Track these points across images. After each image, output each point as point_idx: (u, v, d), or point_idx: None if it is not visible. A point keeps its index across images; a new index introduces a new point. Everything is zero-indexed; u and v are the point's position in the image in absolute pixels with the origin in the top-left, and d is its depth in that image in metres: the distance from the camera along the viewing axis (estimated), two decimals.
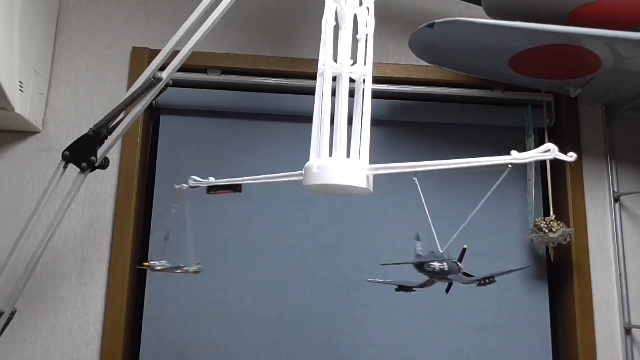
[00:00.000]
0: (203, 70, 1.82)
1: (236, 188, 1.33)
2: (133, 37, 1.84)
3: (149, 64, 1.75)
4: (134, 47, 1.82)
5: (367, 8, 1.16)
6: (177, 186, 1.39)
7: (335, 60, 1.13)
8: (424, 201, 1.08)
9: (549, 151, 0.90)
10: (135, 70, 1.80)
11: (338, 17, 1.15)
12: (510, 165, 0.92)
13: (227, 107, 1.86)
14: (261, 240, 1.82)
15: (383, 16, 1.92)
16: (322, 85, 1.12)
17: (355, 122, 1.12)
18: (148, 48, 1.81)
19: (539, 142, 1.88)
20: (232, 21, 1.85)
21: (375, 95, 1.73)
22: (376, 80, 1.80)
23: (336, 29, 1.16)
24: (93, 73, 1.80)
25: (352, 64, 1.13)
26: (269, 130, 1.89)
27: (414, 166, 1.00)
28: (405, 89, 1.89)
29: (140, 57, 1.81)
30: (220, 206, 1.83)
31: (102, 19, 1.85)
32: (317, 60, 1.17)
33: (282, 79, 1.86)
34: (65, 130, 1.75)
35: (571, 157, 0.87)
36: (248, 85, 1.87)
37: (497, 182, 0.97)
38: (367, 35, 1.16)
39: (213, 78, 1.84)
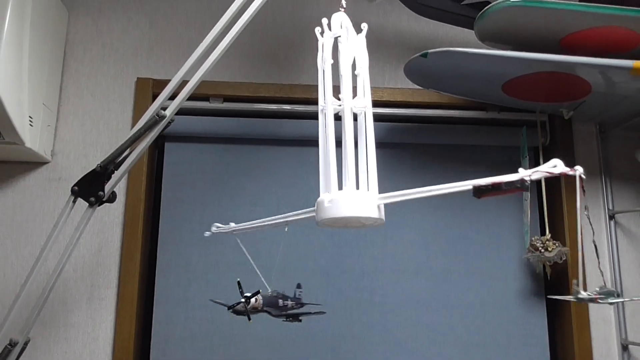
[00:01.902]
0: (205, 98, 1.88)
1: None
2: (137, 68, 1.90)
3: (153, 93, 1.84)
4: (138, 78, 1.88)
5: (360, 44, 1.20)
6: (207, 234, 1.43)
7: (336, 97, 1.18)
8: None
9: (556, 167, 0.93)
10: (140, 100, 1.86)
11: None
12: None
13: (229, 133, 1.92)
14: (265, 262, 1.86)
15: (379, 41, 1.97)
16: (325, 123, 1.17)
17: (360, 154, 1.16)
18: (152, 78, 1.87)
19: (534, 162, 1.93)
20: (233, 50, 1.89)
21: (373, 118, 1.79)
22: (373, 103, 1.81)
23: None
24: (99, 103, 1.86)
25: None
26: (270, 155, 1.94)
27: (425, 191, 1.03)
28: (402, 111, 1.94)
29: (145, 87, 1.87)
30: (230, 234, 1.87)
31: (107, 50, 1.91)
32: (315, 86, 1.22)
33: (282, 105, 1.92)
34: (73, 160, 1.80)
35: (577, 170, 0.91)
36: (250, 112, 1.92)
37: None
38: (362, 69, 1.21)
39: (215, 106, 1.89)
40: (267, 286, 1.43)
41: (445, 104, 1.92)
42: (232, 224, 1.41)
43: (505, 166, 1.96)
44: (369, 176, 1.11)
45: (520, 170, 0.98)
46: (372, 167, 1.12)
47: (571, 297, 1.29)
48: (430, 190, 1.04)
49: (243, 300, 1.42)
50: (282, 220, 1.29)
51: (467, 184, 1.00)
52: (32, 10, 1.60)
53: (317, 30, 1.22)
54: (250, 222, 1.38)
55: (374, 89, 1.87)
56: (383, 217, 1.09)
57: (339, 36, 1.19)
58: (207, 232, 1.41)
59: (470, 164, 1.97)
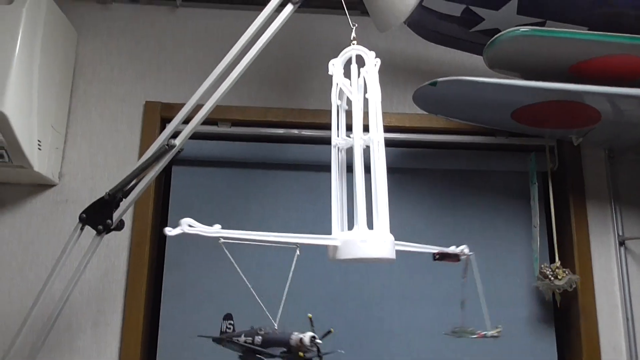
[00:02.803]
0: (214, 122, 1.88)
1: None
2: (146, 90, 1.90)
3: (161, 116, 1.84)
4: (146, 101, 1.88)
5: (364, 77, 1.21)
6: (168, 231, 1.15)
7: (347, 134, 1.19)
8: None
9: None
10: (148, 122, 1.86)
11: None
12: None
13: (237, 157, 1.92)
14: (272, 288, 1.85)
15: (387, 66, 1.97)
16: (337, 158, 1.17)
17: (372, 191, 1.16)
18: (160, 102, 1.87)
19: (543, 187, 1.91)
20: (241, 75, 1.91)
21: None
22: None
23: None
24: (107, 125, 1.86)
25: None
26: (278, 179, 1.93)
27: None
28: (410, 137, 1.94)
29: (153, 110, 1.87)
30: (230, 252, 1.86)
31: (116, 72, 1.91)
32: (324, 111, 1.23)
33: (290, 129, 1.92)
34: (80, 182, 1.80)
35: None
36: (257, 136, 1.92)
37: None
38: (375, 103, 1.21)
39: (224, 130, 1.89)
40: (272, 320, 1.37)
41: (453, 130, 1.92)
42: (218, 226, 1.19)
43: (513, 192, 1.96)
44: (380, 216, 1.11)
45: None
46: (384, 205, 1.12)
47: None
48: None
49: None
50: (296, 240, 1.25)
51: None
52: (42, 33, 1.62)
53: (331, 64, 1.22)
54: (246, 232, 1.25)
55: (382, 114, 1.88)
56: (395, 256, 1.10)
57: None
58: (169, 230, 1.11)
59: (478, 189, 1.96)
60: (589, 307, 1.80)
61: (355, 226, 1.11)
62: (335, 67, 1.22)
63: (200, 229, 1.16)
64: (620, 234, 1.87)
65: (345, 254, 1.07)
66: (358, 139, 1.15)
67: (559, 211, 1.86)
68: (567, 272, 1.71)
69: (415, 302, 1.87)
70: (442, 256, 1.40)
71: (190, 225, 1.14)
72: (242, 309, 1.81)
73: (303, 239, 1.23)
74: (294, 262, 1.19)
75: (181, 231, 1.11)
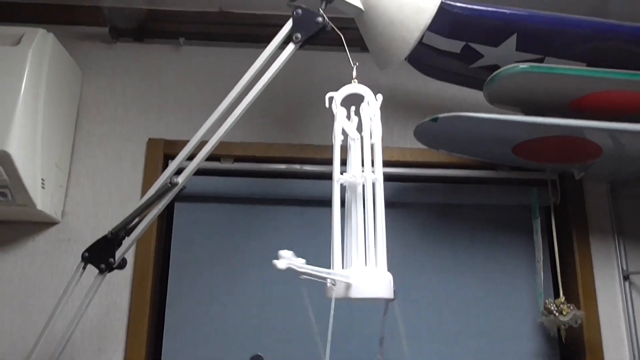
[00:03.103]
0: (216, 158, 1.89)
1: None
2: (149, 128, 1.92)
3: (164, 153, 1.85)
4: (149, 139, 1.89)
5: (370, 118, 1.22)
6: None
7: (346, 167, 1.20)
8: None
9: None
10: (151, 159, 1.87)
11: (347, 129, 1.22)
12: None
13: (239, 193, 1.92)
14: (273, 323, 1.84)
15: (388, 101, 1.99)
16: (339, 194, 1.18)
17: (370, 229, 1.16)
18: (163, 139, 1.89)
19: (545, 221, 1.91)
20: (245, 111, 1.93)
21: (382, 178, 1.79)
22: (383, 163, 1.85)
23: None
24: (111, 164, 1.87)
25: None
26: (280, 215, 1.94)
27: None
28: (412, 171, 1.94)
29: (156, 147, 1.88)
30: (233, 288, 1.86)
31: (120, 111, 1.93)
32: (325, 147, 1.24)
33: (292, 165, 1.93)
34: (83, 221, 1.80)
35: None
36: (260, 172, 1.93)
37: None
38: (373, 141, 1.22)
39: (226, 166, 1.90)
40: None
41: (454, 164, 1.92)
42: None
43: (516, 226, 1.95)
44: (377, 255, 1.12)
45: None
46: (382, 244, 1.12)
47: None
48: None
49: None
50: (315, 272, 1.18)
51: None
52: (47, 73, 1.64)
53: (334, 105, 1.23)
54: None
55: (383, 148, 1.87)
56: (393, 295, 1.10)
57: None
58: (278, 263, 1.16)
59: (480, 223, 1.96)
60: (595, 343, 1.78)
61: (358, 264, 1.10)
62: (337, 105, 1.23)
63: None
64: (625, 268, 1.86)
65: (349, 293, 1.06)
66: (359, 177, 1.15)
67: (562, 245, 1.85)
68: (571, 308, 1.69)
69: (421, 339, 1.85)
70: None
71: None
72: (243, 345, 1.81)
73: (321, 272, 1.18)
74: (332, 308, 1.15)
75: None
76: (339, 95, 1.25)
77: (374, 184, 1.20)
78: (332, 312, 1.10)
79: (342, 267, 1.17)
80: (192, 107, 1.95)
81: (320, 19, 1.30)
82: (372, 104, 1.22)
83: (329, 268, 1.18)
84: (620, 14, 1.89)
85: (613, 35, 1.52)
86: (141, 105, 1.94)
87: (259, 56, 1.36)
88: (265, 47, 1.35)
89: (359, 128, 1.27)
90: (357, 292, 1.07)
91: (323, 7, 1.32)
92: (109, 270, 1.32)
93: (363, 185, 1.21)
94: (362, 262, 1.11)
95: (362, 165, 1.23)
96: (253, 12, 2.01)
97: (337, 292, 1.10)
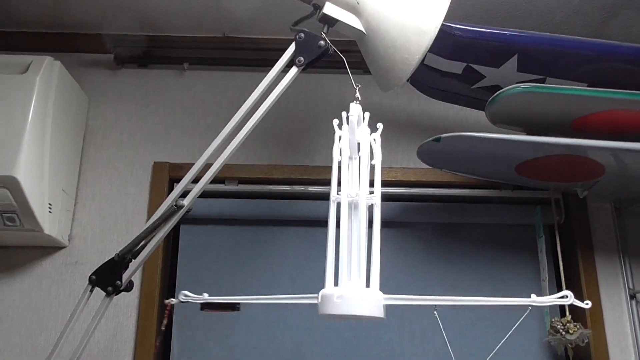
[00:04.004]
0: (221, 181, 1.91)
1: (234, 307, 1.25)
2: (154, 152, 1.94)
3: (169, 177, 1.87)
4: (155, 162, 1.91)
5: (374, 140, 1.24)
6: (166, 301, 1.34)
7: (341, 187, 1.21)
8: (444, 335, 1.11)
9: (566, 297, 0.96)
10: (156, 183, 1.89)
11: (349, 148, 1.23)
12: (530, 308, 0.98)
13: (244, 215, 1.94)
14: (280, 345, 1.84)
15: (391, 122, 2.01)
16: (335, 213, 1.19)
17: (363, 248, 1.17)
18: (168, 162, 1.91)
19: (550, 240, 1.91)
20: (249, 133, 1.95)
21: (386, 198, 1.80)
22: (387, 183, 1.87)
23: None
24: (116, 187, 1.89)
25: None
26: (285, 236, 1.95)
27: (429, 300, 1.04)
28: (415, 191, 1.95)
29: (161, 170, 1.91)
30: (237, 315, 1.86)
31: (125, 136, 1.95)
32: (328, 168, 1.26)
33: (296, 186, 1.94)
34: (90, 244, 1.82)
35: (587, 304, 0.94)
36: (264, 193, 1.94)
37: (516, 324, 1.05)
38: (373, 164, 1.23)
39: (231, 188, 1.92)
40: None
41: (458, 183, 1.93)
42: (205, 295, 1.31)
43: (520, 245, 1.95)
44: (372, 273, 1.12)
45: (533, 296, 1.17)
46: (376, 263, 1.13)
47: None
48: (436, 300, 1.05)
49: None
50: (273, 301, 1.30)
51: (479, 300, 1.06)
52: (54, 100, 1.67)
53: (335, 122, 1.25)
54: (231, 297, 1.38)
55: (387, 169, 1.92)
56: (384, 315, 1.10)
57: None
58: (173, 300, 1.31)
59: (485, 242, 1.96)
60: None
61: (346, 281, 1.11)
62: (336, 127, 1.25)
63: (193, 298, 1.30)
64: (631, 287, 1.86)
65: (337, 309, 1.07)
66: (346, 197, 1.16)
67: (567, 264, 1.85)
68: (578, 327, 1.68)
69: (427, 359, 1.84)
70: None
71: (185, 295, 1.30)
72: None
73: (285, 300, 1.28)
74: None
75: (178, 301, 1.30)
76: (344, 114, 1.27)
77: (372, 204, 1.21)
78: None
79: (335, 285, 1.16)
80: (197, 130, 1.97)
81: (322, 43, 1.32)
82: (364, 125, 1.23)
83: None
84: (620, 35, 1.91)
85: (613, 56, 1.54)
86: (146, 129, 1.97)
87: (263, 79, 1.38)
88: (269, 71, 1.37)
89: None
90: (342, 309, 1.07)
91: (325, 30, 1.34)
92: (116, 293, 1.32)
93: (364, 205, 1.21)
94: (351, 280, 1.11)
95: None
96: (256, 36, 2.04)
97: (322, 309, 1.10)
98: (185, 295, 1.31)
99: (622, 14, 1.86)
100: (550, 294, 1.80)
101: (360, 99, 1.25)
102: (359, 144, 1.26)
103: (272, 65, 1.36)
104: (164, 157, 1.93)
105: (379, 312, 1.09)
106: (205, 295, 1.31)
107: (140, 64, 2.05)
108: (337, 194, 1.23)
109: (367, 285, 1.14)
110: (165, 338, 1.83)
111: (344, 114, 1.24)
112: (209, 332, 1.83)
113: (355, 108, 1.24)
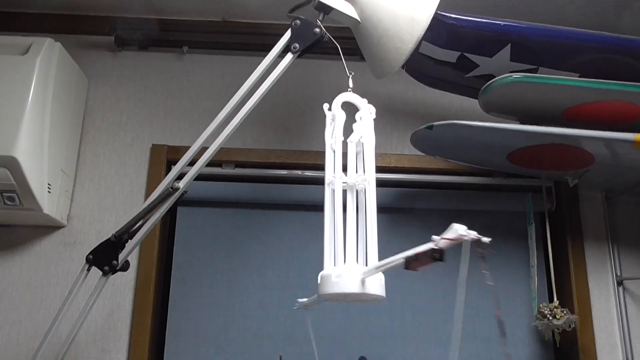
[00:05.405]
0: (218, 164, 1.93)
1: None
2: (153, 134, 1.96)
3: (167, 159, 1.90)
4: (153, 144, 1.94)
5: (360, 117, 1.25)
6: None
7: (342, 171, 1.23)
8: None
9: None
10: (154, 165, 1.92)
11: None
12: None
13: (241, 198, 1.96)
14: (274, 327, 1.87)
15: (386, 108, 2.03)
16: (331, 197, 1.21)
17: (361, 230, 1.19)
18: (166, 145, 1.93)
19: (541, 228, 1.94)
20: (245, 117, 1.97)
21: (381, 184, 1.82)
22: (381, 169, 1.88)
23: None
24: (115, 169, 1.92)
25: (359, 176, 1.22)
26: (281, 220, 1.98)
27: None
28: (409, 177, 1.98)
29: (159, 153, 1.93)
30: (234, 292, 1.89)
31: (125, 117, 1.98)
32: (324, 153, 1.27)
33: (292, 170, 1.97)
34: (88, 224, 1.85)
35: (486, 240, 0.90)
36: (260, 177, 1.97)
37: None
38: (363, 145, 1.25)
39: (227, 172, 1.95)
40: None
41: (451, 170, 1.96)
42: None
43: (511, 232, 1.99)
44: (368, 253, 1.14)
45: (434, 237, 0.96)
46: (373, 243, 1.15)
47: None
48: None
49: None
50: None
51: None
52: (54, 81, 1.68)
53: (325, 106, 1.27)
54: None
55: (382, 155, 1.94)
56: (384, 293, 1.11)
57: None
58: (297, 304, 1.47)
59: (477, 229, 1.97)
60: (589, 347, 1.81)
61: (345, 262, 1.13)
62: (326, 111, 1.26)
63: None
64: (619, 274, 1.89)
65: (333, 289, 1.09)
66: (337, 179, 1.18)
67: (556, 251, 1.88)
68: (565, 312, 1.72)
69: (416, 342, 1.88)
70: (417, 259, 0.97)
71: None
72: (244, 348, 1.84)
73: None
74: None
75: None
76: (334, 104, 1.28)
77: (361, 189, 1.23)
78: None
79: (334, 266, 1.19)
80: (195, 113, 1.99)
81: (317, 30, 1.34)
82: (364, 110, 1.25)
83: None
84: (613, 27, 1.93)
85: (605, 47, 1.56)
86: (145, 112, 1.99)
87: (260, 64, 1.40)
88: (266, 54, 1.39)
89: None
90: (341, 288, 1.09)
91: (321, 18, 1.36)
92: (112, 272, 1.36)
93: (358, 190, 1.24)
94: (348, 261, 1.13)
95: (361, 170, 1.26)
96: (255, 21, 2.05)
97: (321, 290, 1.12)
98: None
99: (635, 5, 1.87)
100: (538, 280, 1.85)
101: (352, 87, 1.27)
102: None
103: (271, 50, 1.38)
104: (163, 139, 1.95)
105: (379, 291, 1.10)
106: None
107: (140, 46, 2.06)
108: (333, 176, 1.25)
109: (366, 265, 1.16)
110: (162, 313, 1.87)
111: (335, 99, 1.25)
112: (202, 312, 1.86)
113: (344, 96, 1.25)
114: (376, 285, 1.09)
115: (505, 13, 1.91)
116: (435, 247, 0.93)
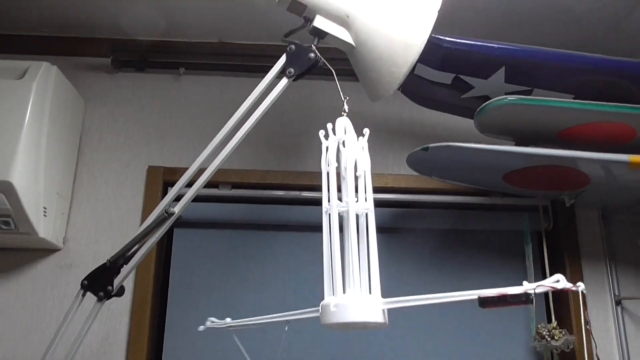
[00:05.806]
0: (215, 185, 1.93)
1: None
2: (149, 156, 1.97)
3: (163, 180, 1.90)
4: (149, 166, 1.94)
5: (362, 147, 1.25)
6: (201, 328, 1.44)
7: (339, 199, 1.22)
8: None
9: (558, 282, 0.97)
10: (150, 187, 1.92)
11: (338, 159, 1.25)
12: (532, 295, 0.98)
13: (237, 219, 1.96)
14: (272, 349, 1.86)
15: (383, 128, 2.04)
16: (329, 224, 1.21)
17: (363, 256, 1.18)
18: (163, 166, 1.94)
19: (538, 247, 1.94)
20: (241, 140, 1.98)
21: (377, 204, 1.81)
22: (378, 190, 1.89)
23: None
24: (112, 190, 1.92)
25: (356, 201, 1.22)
26: (277, 241, 1.97)
27: (429, 299, 1.05)
28: (406, 197, 1.98)
29: (156, 174, 1.93)
30: (231, 314, 1.88)
31: (122, 139, 1.98)
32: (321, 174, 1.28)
33: (289, 191, 1.97)
34: (85, 247, 1.84)
35: (579, 286, 0.94)
36: (257, 198, 1.97)
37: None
38: (364, 172, 1.25)
39: (224, 193, 1.95)
40: None
41: (448, 190, 1.96)
42: (228, 319, 1.40)
43: (508, 251, 1.98)
44: (372, 279, 1.14)
45: (525, 283, 1.02)
46: (375, 270, 1.14)
47: None
48: (435, 298, 1.06)
49: None
50: (282, 319, 1.31)
51: (474, 294, 1.01)
52: (51, 105, 1.69)
53: (321, 133, 1.27)
54: (248, 319, 1.39)
55: (378, 175, 1.94)
56: (387, 320, 1.11)
57: (343, 140, 1.23)
58: (202, 327, 1.42)
59: (473, 249, 1.99)
60: None
61: (347, 290, 1.13)
62: (323, 137, 1.27)
63: (217, 324, 1.43)
64: (617, 293, 1.89)
65: (336, 318, 1.09)
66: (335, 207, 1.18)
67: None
68: (563, 333, 1.71)
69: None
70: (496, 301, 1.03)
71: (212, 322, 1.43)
72: None
73: (290, 317, 1.31)
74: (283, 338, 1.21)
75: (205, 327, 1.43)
76: (330, 125, 1.29)
77: (361, 213, 1.23)
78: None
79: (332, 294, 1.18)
80: (192, 135, 2.00)
81: (312, 55, 1.35)
82: (350, 135, 1.25)
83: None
84: (605, 49, 1.93)
85: (598, 69, 1.57)
86: (142, 133, 1.99)
87: (256, 86, 1.40)
88: (264, 77, 1.39)
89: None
90: (341, 317, 1.08)
91: (316, 42, 1.37)
92: (107, 298, 1.35)
93: (357, 215, 1.23)
94: (356, 289, 1.12)
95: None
96: (251, 42, 2.07)
97: (323, 320, 1.12)
98: (212, 322, 1.43)
99: None
100: (537, 300, 1.83)
101: (347, 111, 1.27)
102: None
103: (267, 72, 1.38)
104: (159, 161, 1.95)
105: (379, 318, 1.09)
106: (228, 319, 1.42)
107: (137, 68, 2.07)
108: (329, 204, 1.25)
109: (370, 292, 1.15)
110: (158, 337, 1.86)
111: (329, 125, 1.25)
112: (200, 335, 1.85)
113: (341, 121, 1.25)
114: (377, 314, 1.09)
115: (517, 14, 1.89)
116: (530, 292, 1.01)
